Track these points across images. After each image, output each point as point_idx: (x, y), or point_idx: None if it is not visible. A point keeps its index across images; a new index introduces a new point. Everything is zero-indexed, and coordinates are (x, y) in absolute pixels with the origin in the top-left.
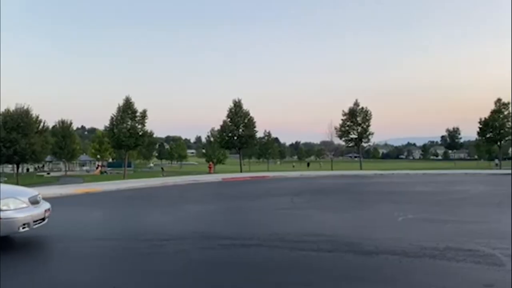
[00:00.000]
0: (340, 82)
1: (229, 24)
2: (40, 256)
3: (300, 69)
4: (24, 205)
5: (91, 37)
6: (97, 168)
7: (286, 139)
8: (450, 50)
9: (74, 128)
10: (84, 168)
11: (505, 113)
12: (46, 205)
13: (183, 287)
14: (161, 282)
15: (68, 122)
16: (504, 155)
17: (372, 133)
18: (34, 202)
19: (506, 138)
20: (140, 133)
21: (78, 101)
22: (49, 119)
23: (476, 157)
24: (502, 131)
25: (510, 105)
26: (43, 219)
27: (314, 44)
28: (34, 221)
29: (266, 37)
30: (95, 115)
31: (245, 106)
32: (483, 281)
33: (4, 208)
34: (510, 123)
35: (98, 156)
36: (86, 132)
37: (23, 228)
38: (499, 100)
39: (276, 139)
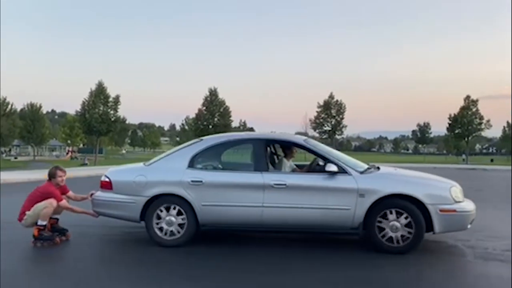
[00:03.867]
0: (316, 75)
1: (204, 12)
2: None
3: (276, 60)
4: (461, 196)
5: (63, 20)
6: (67, 153)
7: (262, 129)
8: (422, 47)
9: (44, 112)
10: (54, 153)
11: (473, 109)
12: None
13: (156, 273)
14: (134, 269)
15: (38, 106)
16: (471, 150)
17: (346, 126)
18: None
19: (474, 134)
20: (113, 119)
21: (48, 84)
22: (18, 103)
23: (444, 151)
24: (470, 127)
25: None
26: None
27: (290, 36)
28: None
29: (242, 27)
30: (66, 99)
31: (220, 95)
32: (445, 271)
33: (456, 199)
34: (477, 120)
35: (69, 142)
36: (56, 117)
37: (470, 224)
38: (468, 97)
39: (252, 129)
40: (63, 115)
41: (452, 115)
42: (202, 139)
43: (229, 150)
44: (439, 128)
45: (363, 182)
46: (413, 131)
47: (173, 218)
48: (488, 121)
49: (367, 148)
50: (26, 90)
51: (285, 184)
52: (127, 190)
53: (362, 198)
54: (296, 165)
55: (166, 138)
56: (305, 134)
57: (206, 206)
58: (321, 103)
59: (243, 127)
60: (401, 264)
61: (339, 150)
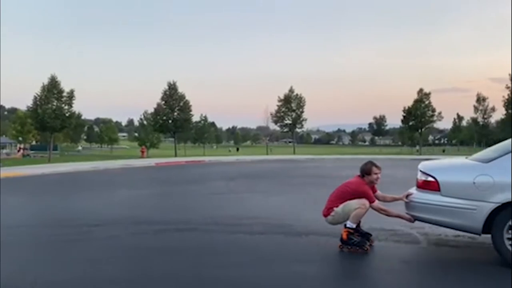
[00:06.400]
0: (276, 69)
1: (162, 5)
2: None
3: (236, 55)
4: None
5: (13, 13)
6: (18, 151)
7: (223, 124)
8: (377, 41)
9: None
10: (4, 151)
11: (426, 102)
12: None
13: (113, 272)
14: (89, 269)
15: None
16: (424, 141)
17: (306, 119)
18: None
19: (426, 126)
20: (67, 115)
21: None
22: None
23: (400, 143)
24: (423, 119)
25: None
26: None
27: (250, 30)
28: None
29: (202, 21)
30: (16, 94)
31: (180, 89)
32: (401, 258)
33: None
34: (430, 112)
35: (20, 139)
36: (6, 112)
37: None
38: (421, 90)
39: (213, 124)
40: (13, 110)
41: (406, 108)
42: None
43: None
44: (394, 120)
45: None
46: (370, 124)
47: None
48: (439, 113)
49: (326, 140)
50: None
51: None
52: (463, 193)
53: None
54: None
55: (124, 134)
56: (266, 128)
57: None
58: (282, 97)
59: (204, 121)
60: None
61: (299, 143)
